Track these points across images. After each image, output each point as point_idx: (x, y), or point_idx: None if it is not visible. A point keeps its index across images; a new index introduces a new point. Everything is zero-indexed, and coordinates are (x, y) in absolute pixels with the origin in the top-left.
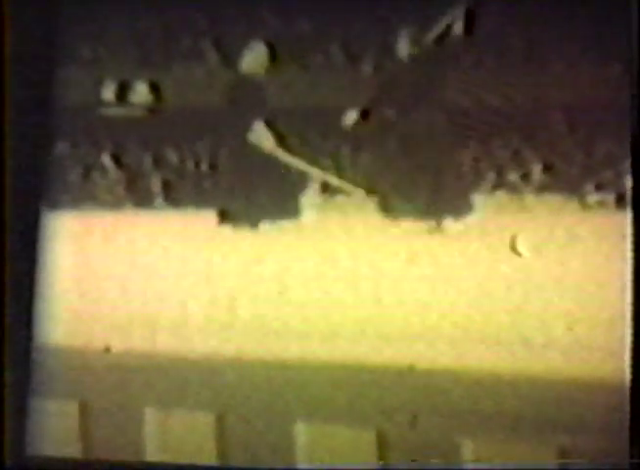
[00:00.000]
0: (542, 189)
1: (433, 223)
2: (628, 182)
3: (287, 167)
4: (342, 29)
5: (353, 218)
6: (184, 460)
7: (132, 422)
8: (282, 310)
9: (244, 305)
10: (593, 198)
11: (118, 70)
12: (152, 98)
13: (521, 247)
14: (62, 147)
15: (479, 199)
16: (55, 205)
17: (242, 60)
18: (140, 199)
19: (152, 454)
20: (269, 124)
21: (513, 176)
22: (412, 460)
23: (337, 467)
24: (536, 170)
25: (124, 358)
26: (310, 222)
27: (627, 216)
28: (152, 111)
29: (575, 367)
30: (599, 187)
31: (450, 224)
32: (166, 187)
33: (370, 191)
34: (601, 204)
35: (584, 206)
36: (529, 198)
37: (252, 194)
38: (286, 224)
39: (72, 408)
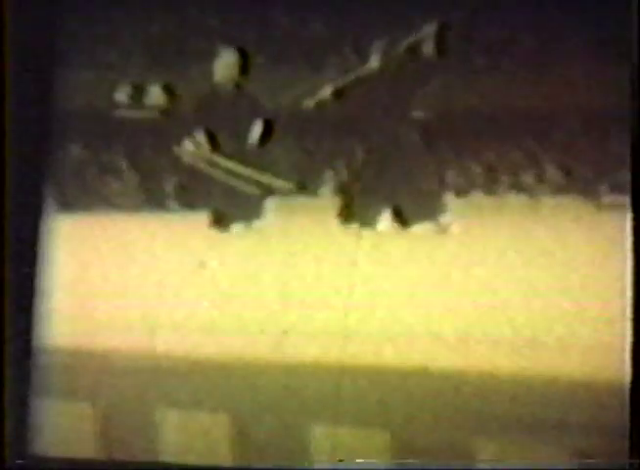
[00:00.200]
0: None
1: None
2: None
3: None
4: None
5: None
6: (200, 462)
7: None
8: (295, 312)
9: (252, 307)
10: (608, 199)
11: (132, 72)
12: (165, 100)
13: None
14: (73, 149)
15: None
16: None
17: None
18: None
19: (167, 455)
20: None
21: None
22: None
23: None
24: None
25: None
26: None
27: None
28: (165, 112)
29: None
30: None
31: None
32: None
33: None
34: (615, 205)
35: (599, 207)
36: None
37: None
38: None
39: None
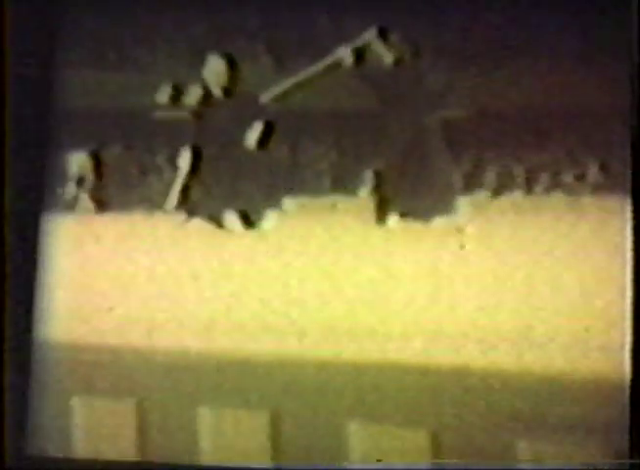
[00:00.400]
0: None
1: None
2: None
3: None
4: None
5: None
6: (237, 459)
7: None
8: (338, 311)
9: (287, 305)
10: None
11: (173, 73)
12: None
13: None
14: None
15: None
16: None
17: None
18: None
19: (206, 454)
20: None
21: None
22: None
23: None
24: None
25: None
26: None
27: None
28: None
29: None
30: None
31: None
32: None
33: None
34: None
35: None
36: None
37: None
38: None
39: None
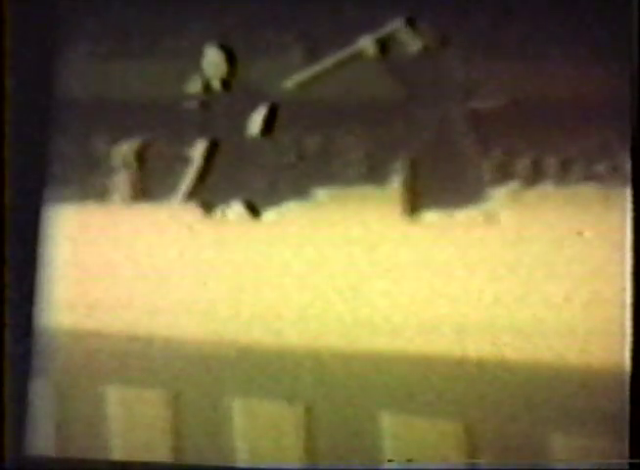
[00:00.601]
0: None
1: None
2: None
3: None
4: None
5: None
6: (271, 452)
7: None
8: (371, 302)
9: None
10: None
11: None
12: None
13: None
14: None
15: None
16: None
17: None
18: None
19: (239, 445)
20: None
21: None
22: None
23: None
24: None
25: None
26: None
27: None
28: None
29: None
30: None
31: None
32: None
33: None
34: None
35: None
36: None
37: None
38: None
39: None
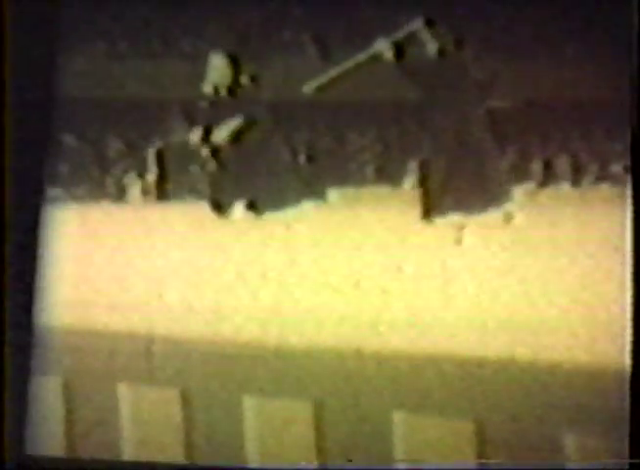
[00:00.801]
0: None
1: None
2: None
3: None
4: None
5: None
6: (281, 450)
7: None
8: (384, 302)
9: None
10: None
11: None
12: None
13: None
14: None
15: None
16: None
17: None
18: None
19: (250, 443)
20: None
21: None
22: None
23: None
24: None
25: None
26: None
27: None
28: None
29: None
30: None
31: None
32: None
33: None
34: None
35: None
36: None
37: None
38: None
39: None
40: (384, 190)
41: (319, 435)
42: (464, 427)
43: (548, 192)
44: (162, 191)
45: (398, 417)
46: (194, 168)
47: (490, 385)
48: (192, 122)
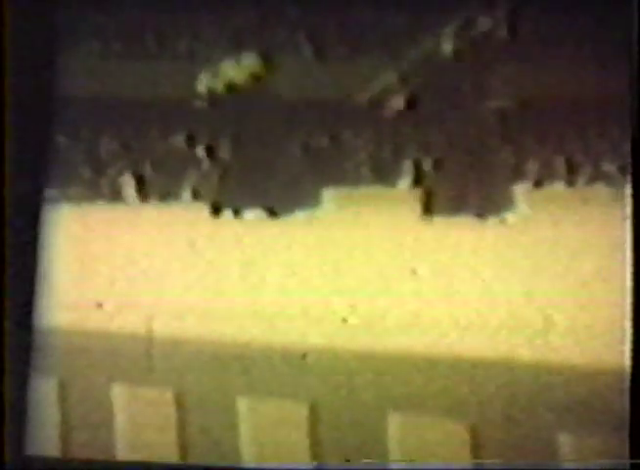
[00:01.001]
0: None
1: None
2: None
3: None
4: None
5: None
6: (276, 451)
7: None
8: (381, 302)
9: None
10: None
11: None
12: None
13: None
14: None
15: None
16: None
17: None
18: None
19: (245, 444)
20: None
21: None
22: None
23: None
24: None
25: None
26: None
27: None
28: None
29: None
30: None
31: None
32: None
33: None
34: None
35: None
36: None
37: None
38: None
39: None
40: (380, 190)
41: (314, 437)
42: (460, 428)
43: (543, 191)
44: (158, 191)
45: (393, 419)
46: (190, 169)
47: (488, 386)
48: (187, 122)
